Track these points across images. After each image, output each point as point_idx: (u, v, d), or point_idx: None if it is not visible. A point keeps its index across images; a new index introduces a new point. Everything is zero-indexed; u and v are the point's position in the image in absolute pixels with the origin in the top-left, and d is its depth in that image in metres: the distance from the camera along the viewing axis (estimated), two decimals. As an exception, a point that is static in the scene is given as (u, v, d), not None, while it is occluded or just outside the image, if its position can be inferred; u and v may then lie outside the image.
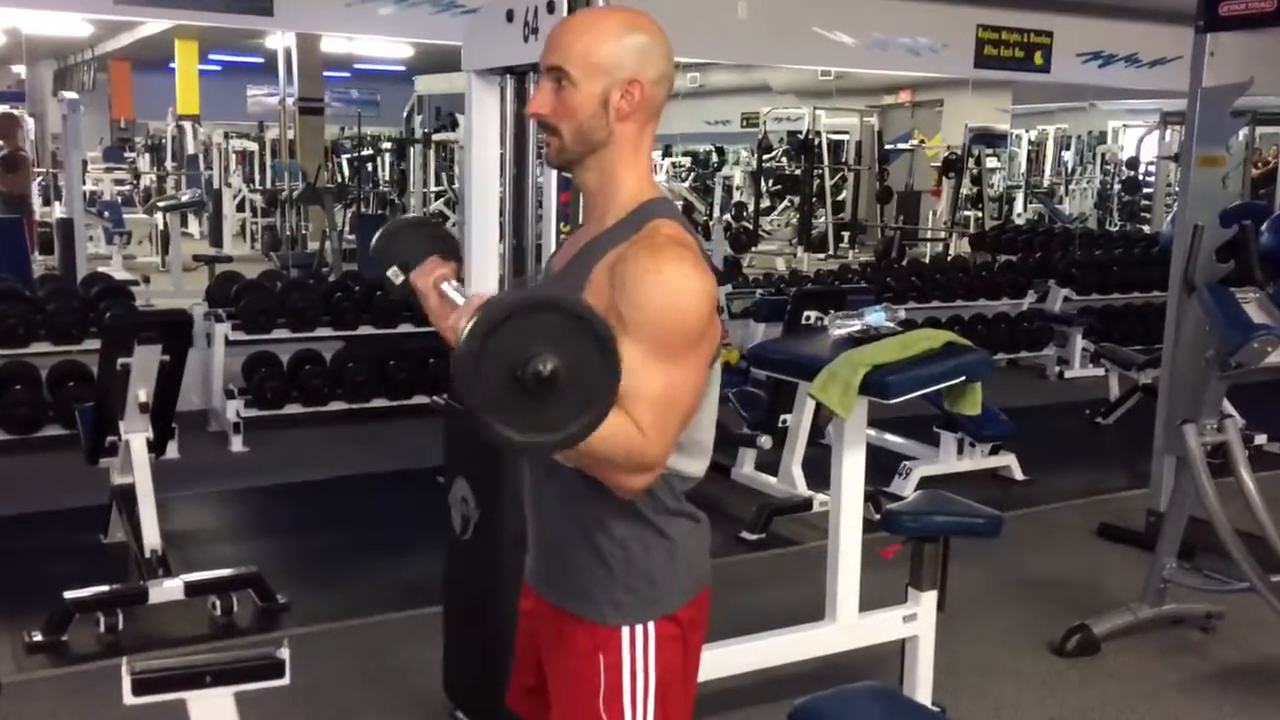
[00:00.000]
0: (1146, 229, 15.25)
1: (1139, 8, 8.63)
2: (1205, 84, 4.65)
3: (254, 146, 16.62)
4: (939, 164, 14.74)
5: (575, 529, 1.75)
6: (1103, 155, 18.93)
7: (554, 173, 2.73)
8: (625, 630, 1.73)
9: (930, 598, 3.38)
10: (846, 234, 15.87)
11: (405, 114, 10.82)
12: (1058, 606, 4.24)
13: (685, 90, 17.04)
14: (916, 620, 3.37)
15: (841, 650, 3.30)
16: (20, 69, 17.34)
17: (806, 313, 4.89)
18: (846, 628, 3.28)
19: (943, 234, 14.59)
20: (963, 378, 3.03)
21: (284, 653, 2.24)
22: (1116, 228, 16.04)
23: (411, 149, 10.82)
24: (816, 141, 15.13)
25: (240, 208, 15.10)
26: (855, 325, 3.25)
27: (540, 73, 1.74)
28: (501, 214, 3.07)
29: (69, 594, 3.80)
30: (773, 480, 5.30)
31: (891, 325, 3.23)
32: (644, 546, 1.73)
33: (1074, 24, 8.73)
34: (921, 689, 3.38)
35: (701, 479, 1.78)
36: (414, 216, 2.10)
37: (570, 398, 1.40)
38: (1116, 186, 17.87)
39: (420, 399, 6.57)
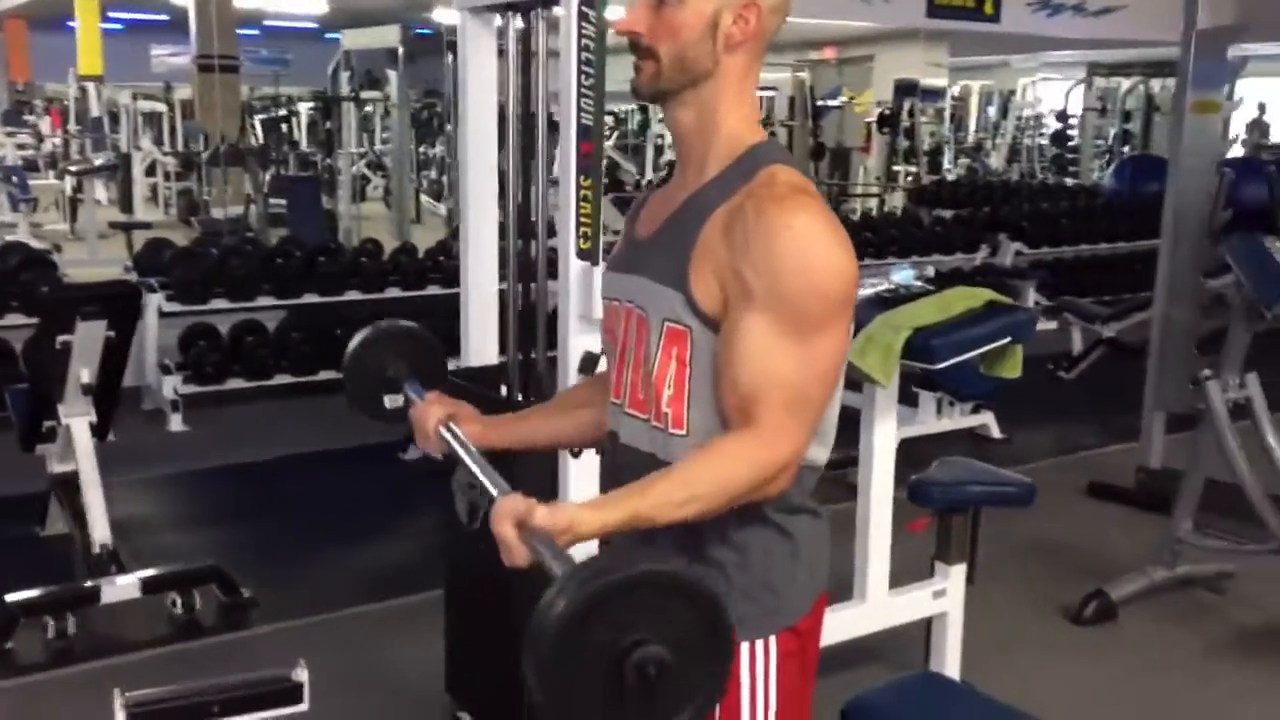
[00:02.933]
0: (1069, 181, 15.30)
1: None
2: (1201, 26, 4.50)
3: (162, 108, 15.84)
4: (872, 120, 14.60)
5: (683, 532, 1.49)
6: (1018, 110, 18.97)
7: (572, 122, 2.43)
8: (745, 646, 1.49)
9: (959, 572, 3.21)
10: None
11: (331, 71, 10.31)
12: (1063, 571, 4.11)
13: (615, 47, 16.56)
14: (946, 596, 3.19)
15: (874, 631, 3.10)
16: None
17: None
18: (877, 607, 3.08)
19: (874, 190, 14.51)
20: (1008, 339, 2.83)
21: (302, 674, 1.95)
22: (1037, 180, 16.07)
23: (338, 108, 10.34)
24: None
25: (150, 172, 14.37)
26: (882, 285, 3.02)
27: None
28: (503, 181, 2.77)
29: (11, 596, 3.44)
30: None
31: (921, 284, 3.01)
32: (764, 549, 1.48)
33: (1023, -28, 8.57)
34: (951, 666, 3.21)
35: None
36: (377, 328, 1.84)
37: (675, 690, 1.15)
38: (1034, 141, 17.91)
39: (371, 370, 6.19)
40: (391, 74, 9.83)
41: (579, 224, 2.47)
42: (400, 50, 9.22)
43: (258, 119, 15.06)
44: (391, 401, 1.78)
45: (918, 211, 10.80)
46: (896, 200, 13.83)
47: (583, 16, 2.39)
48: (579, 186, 2.47)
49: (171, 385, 5.66)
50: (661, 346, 1.46)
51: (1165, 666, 3.49)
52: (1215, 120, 4.52)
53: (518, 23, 2.64)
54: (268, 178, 11.69)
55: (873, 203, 14.21)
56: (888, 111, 13.67)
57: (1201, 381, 3.50)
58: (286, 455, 5.33)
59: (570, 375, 2.52)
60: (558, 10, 2.47)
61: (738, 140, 1.47)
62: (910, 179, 14.15)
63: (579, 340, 2.51)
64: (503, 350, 2.89)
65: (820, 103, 16.26)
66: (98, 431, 3.80)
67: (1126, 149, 16.01)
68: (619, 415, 1.56)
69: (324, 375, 6.15)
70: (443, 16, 11.50)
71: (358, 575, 4.07)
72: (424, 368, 1.82)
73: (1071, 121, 17.19)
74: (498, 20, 2.73)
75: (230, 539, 4.39)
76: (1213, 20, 4.48)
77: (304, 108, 16.05)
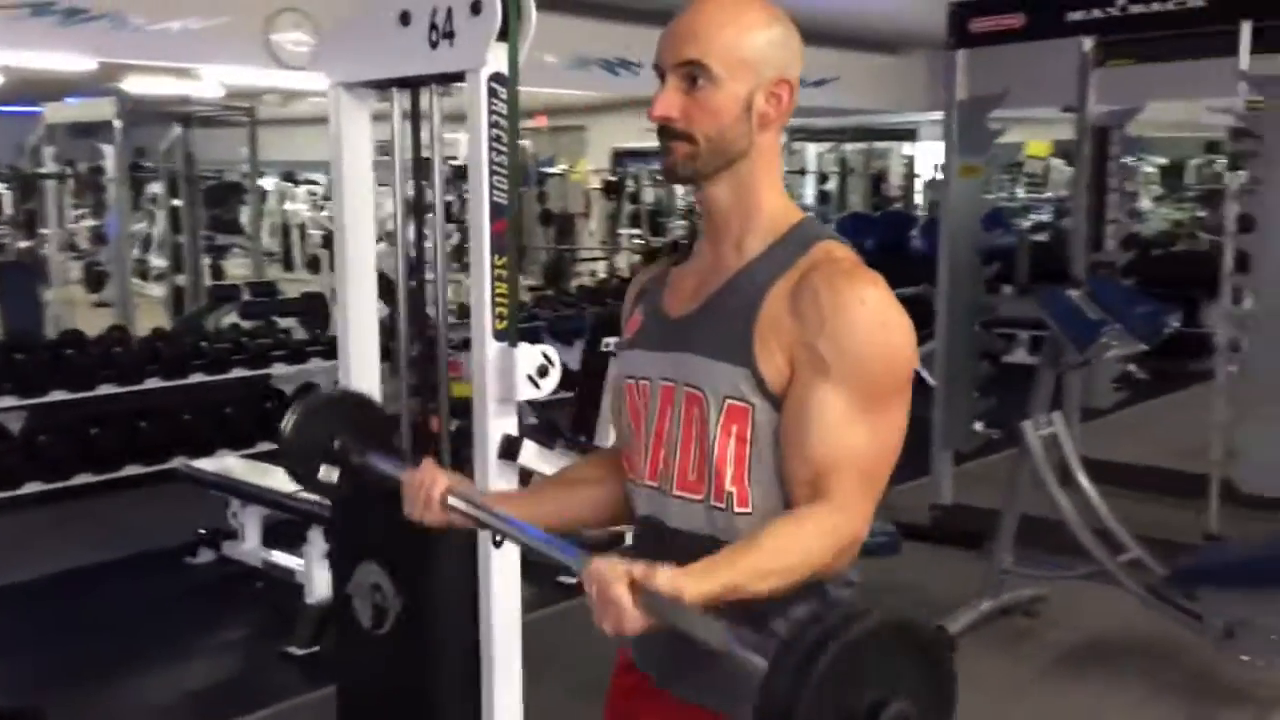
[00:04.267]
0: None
1: (812, 31, 9.11)
2: (960, 97, 4.91)
3: None
4: (598, 186, 15.00)
5: (747, 618, 1.46)
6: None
7: (485, 200, 2.35)
8: None
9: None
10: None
11: (33, 146, 9.45)
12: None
13: (305, 116, 16.29)
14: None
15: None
16: None
17: (607, 339, 4.67)
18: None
19: (598, 254, 14.88)
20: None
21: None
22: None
23: (37, 186, 9.52)
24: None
25: None
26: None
27: (664, 69, 1.45)
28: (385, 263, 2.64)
29: None
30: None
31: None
32: None
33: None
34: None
35: None
36: (319, 395, 1.79)
37: None
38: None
39: (134, 469, 5.68)
40: (106, 148, 9.17)
41: (495, 304, 2.38)
42: (117, 124, 8.63)
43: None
44: (327, 473, 1.68)
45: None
46: (621, 262, 14.24)
47: (492, 93, 2.33)
48: (493, 266, 2.38)
49: (-99, 504, 4.97)
50: (721, 425, 1.43)
51: (1008, 693, 3.69)
52: (980, 181, 4.92)
53: (404, 99, 2.53)
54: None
55: (599, 265, 14.60)
56: (612, 178, 14.07)
57: (1015, 426, 3.78)
58: (54, 573, 4.78)
59: (490, 462, 2.41)
60: (457, 85, 2.39)
61: (781, 217, 1.48)
62: (638, 242, 14.61)
63: (498, 424, 2.41)
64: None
65: (542, 170, 16.53)
66: None
67: (824, 208, 17.20)
68: (661, 499, 1.50)
69: (80, 479, 5.58)
70: (133, 87, 10.92)
71: (187, 698, 3.70)
72: (369, 435, 1.70)
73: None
74: (375, 96, 2.61)
75: (18, 676, 3.87)
76: (969, 90, 4.91)
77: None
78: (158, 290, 12.15)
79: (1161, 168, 17.32)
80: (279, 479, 4.46)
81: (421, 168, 2.55)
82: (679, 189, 19.62)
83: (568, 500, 1.66)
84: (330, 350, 6.58)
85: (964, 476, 5.45)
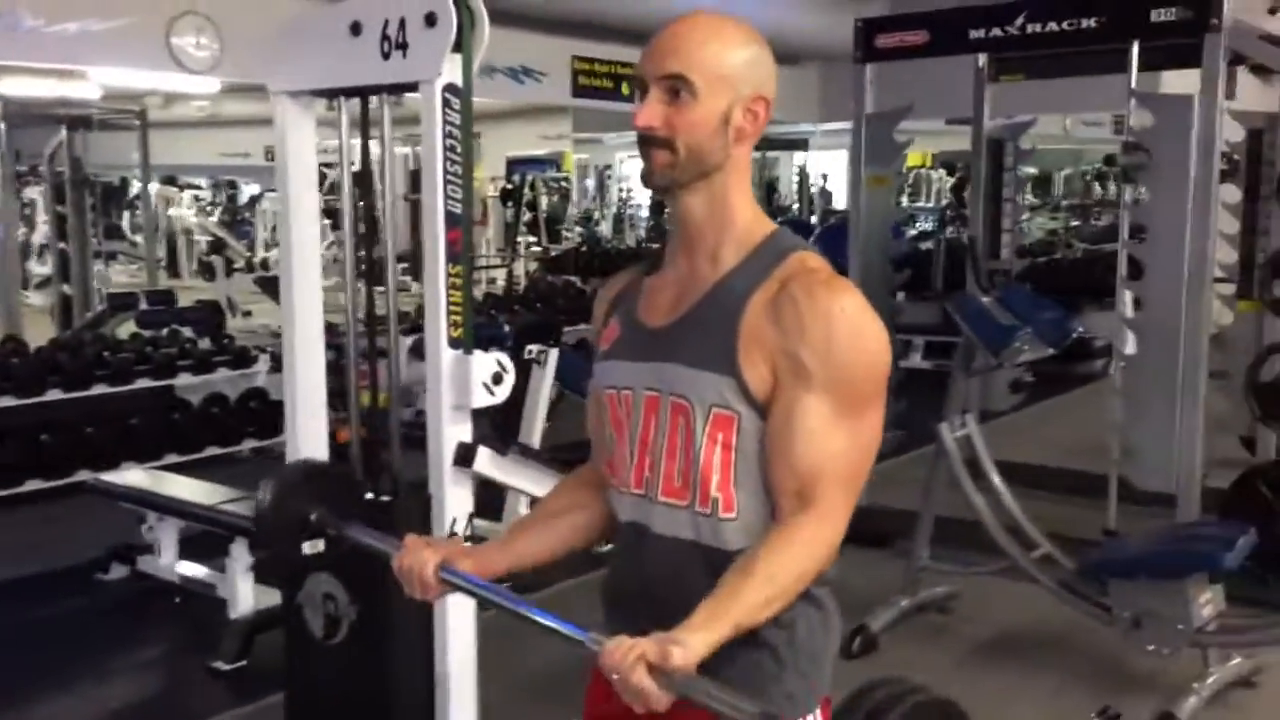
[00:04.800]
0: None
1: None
2: (868, 110, 5.05)
3: None
4: (492, 195, 14.95)
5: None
6: (619, 182, 20.15)
7: (439, 209, 2.37)
8: None
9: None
10: (404, 264, 15.56)
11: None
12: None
13: (193, 120, 15.94)
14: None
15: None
16: None
17: (529, 346, 4.70)
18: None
19: (497, 261, 14.83)
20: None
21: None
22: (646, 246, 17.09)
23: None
24: (371, 171, 14.71)
25: None
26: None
27: (646, 81, 1.49)
28: (335, 271, 2.64)
29: None
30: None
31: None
32: (806, 623, 1.54)
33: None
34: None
35: None
36: (288, 470, 1.80)
37: None
38: (637, 211, 19.11)
39: (35, 484, 5.50)
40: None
41: (450, 312, 2.41)
42: (1, 126, 8.32)
43: None
44: (312, 547, 1.72)
45: (553, 281, 11.13)
46: (519, 270, 14.23)
47: (446, 103, 2.35)
48: (448, 274, 2.41)
49: None
50: (707, 433, 1.48)
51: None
52: (888, 191, 5.08)
53: (354, 106, 2.54)
54: None
55: (499, 273, 14.56)
56: (509, 186, 14.05)
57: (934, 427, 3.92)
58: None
59: (445, 469, 2.43)
60: (410, 95, 2.41)
61: (755, 229, 1.53)
62: (538, 249, 14.61)
63: (453, 431, 2.44)
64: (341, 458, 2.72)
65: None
66: None
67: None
68: (646, 506, 1.54)
69: (-22, 496, 5.38)
70: (8, 88, 10.55)
71: (111, 717, 3.60)
72: (339, 504, 1.73)
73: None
74: (320, 105, 2.61)
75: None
76: (876, 105, 5.06)
77: None
78: (39, 299, 11.73)
79: (1032, 178, 17.99)
80: (196, 491, 4.39)
81: (372, 181, 2.56)
82: (574, 196, 19.77)
83: (548, 538, 1.69)
84: (236, 360, 6.48)
85: (873, 478, 5.59)
